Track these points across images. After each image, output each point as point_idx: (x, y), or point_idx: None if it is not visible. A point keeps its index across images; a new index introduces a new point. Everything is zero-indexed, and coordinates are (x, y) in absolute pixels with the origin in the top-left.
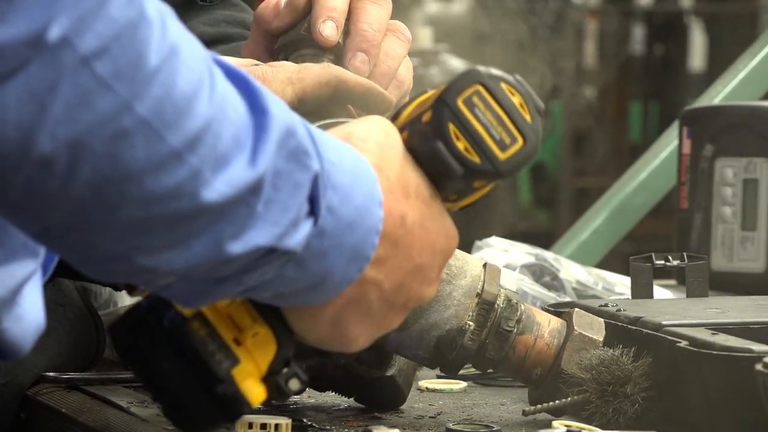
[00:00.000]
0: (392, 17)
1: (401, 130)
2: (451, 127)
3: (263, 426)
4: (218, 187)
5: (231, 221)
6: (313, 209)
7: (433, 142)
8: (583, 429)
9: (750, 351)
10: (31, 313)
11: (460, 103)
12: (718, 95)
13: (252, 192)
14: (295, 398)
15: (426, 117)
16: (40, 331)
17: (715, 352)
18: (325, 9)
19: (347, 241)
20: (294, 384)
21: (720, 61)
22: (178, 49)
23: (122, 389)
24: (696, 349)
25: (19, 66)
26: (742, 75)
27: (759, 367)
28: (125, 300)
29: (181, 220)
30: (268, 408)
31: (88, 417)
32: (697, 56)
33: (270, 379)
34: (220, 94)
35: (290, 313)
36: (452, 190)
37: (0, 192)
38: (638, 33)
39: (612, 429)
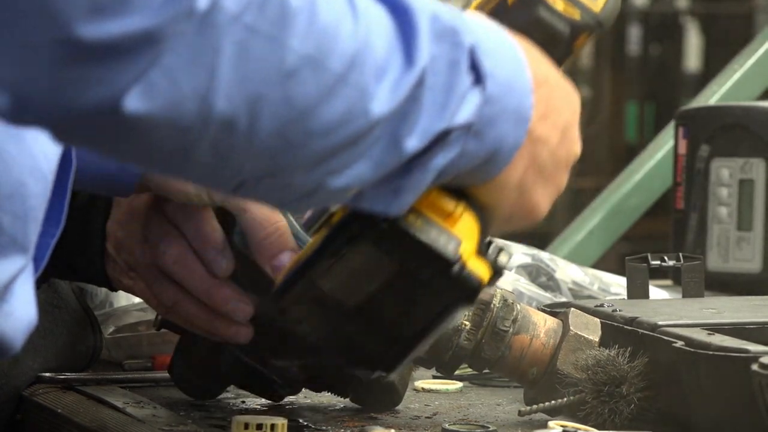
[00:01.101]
0: None
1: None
2: None
3: (259, 426)
4: (386, 96)
5: (404, 120)
6: (478, 77)
7: (533, 10)
8: (579, 429)
9: (746, 351)
10: (21, 309)
11: None
12: (713, 95)
13: (417, 87)
14: (291, 398)
15: None
16: (32, 327)
17: (711, 353)
18: None
19: (510, 104)
20: (503, 258)
21: (716, 62)
22: None
23: (118, 389)
24: (692, 350)
25: (177, 40)
26: (737, 75)
27: (755, 367)
28: (121, 300)
29: (360, 136)
30: (264, 408)
31: (84, 417)
32: (692, 57)
33: (484, 258)
34: (362, 8)
35: (480, 191)
36: (555, 56)
37: (191, 160)
38: (634, 33)
39: (608, 429)
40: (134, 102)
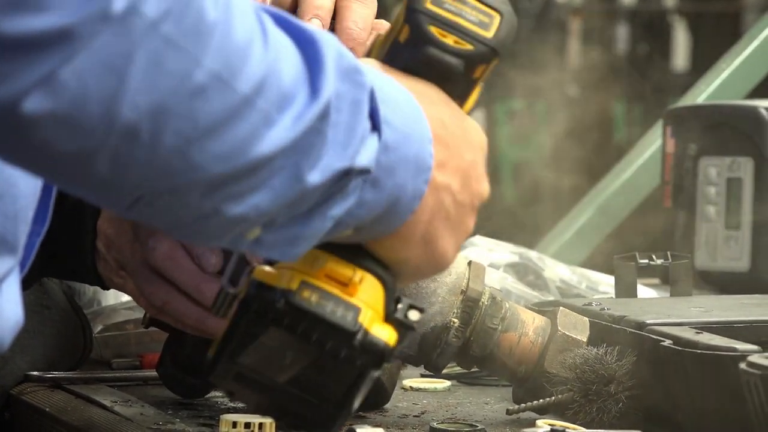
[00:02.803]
0: (377, 17)
1: (383, 63)
2: (433, 29)
3: (247, 425)
4: (289, 125)
5: (306, 152)
6: (375, 124)
7: (423, 50)
8: (567, 428)
9: (734, 350)
10: (9, 309)
11: (428, 5)
12: (701, 94)
13: (321, 119)
14: None
15: (404, 35)
16: (19, 327)
17: (699, 351)
18: (311, 7)
19: (409, 153)
20: (414, 315)
21: (703, 61)
22: (230, 1)
23: (106, 388)
24: (680, 348)
25: (92, 41)
26: (725, 74)
27: (743, 365)
28: (109, 299)
29: (261, 164)
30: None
31: (72, 416)
32: (680, 55)
33: (391, 319)
34: (273, 35)
35: (383, 247)
36: (455, 93)
37: (88, 172)
38: (622, 32)
39: (596, 428)
40: (36, 101)
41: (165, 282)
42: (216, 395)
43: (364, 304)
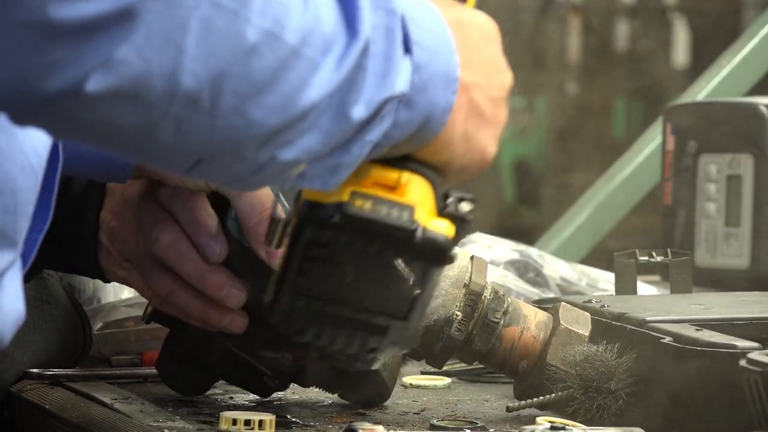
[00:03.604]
0: None
1: None
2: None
3: (247, 422)
4: (332, 68)
5: (350, 89)
6: (407, 47)
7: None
8: (567, 425)
9: (734, 347)
10: (10, 304)
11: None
12: (701, 91)
13: (362, 56)
14: (279, 394)
15: None
16: (20, 322)
17: (699, 348)
18: None
19: (438, 68)
20: (465, 206)
21: (704, 58)
22: None
23: (106, 385)
24: (680, 345)
25: (147, 17)
26: (725, 71)
27: (743, 363)
28: (109, 296)
29: (311, 109)
30: (252, 404)
31: (72, 413)
32: (680, 52)
33: (444, 214)
34: None
35: (425, 153)
36: None
37: (152, 141)
38: (622, 29)
39: (596, 425)
40: (99, 81)
41: (169, 272)
42: (216, 392)
43: (416, 203)
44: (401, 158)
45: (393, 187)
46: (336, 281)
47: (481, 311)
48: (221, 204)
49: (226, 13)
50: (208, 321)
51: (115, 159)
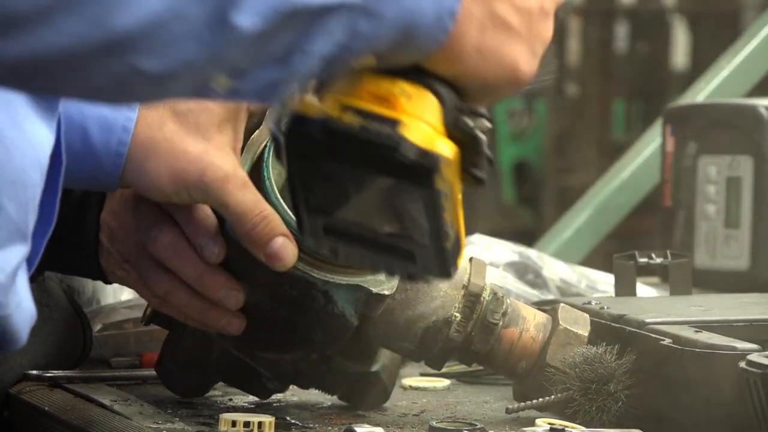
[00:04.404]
0: None
1: None
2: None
3: (246, 424)
4: None
5: None
6: None
7: None
8: (567, 427)
9: (733, 349)
10: (26, 301)
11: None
12: (701, 93)
13: None
14: (279, 396)
15: None
16: (34, 321)
17: (698, 350)
18: None
19: None
20: (477, 121)
21: (703, 59)
22: None
23: (105, 387)
24: (679, 347)
25: None
26: (725, 73)
27: (742, 364)
28: (108, 298)
29: (152, 17)
30: (252, 406)
31: (72, 415)
32: (680, 54)
33: (455, 131)
34: None
35: (435, 64)
36: None
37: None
38: (621, 31)
39: (595, 427)
40: None
41: (167, 272)
42: (215, 394)
43: (413, 117)
44: (411, 69)
45: (386, 99)
46: (342, 199)
47: (480, 312)
48: None
49: None
50: (206, 322)
51: (96, 175)
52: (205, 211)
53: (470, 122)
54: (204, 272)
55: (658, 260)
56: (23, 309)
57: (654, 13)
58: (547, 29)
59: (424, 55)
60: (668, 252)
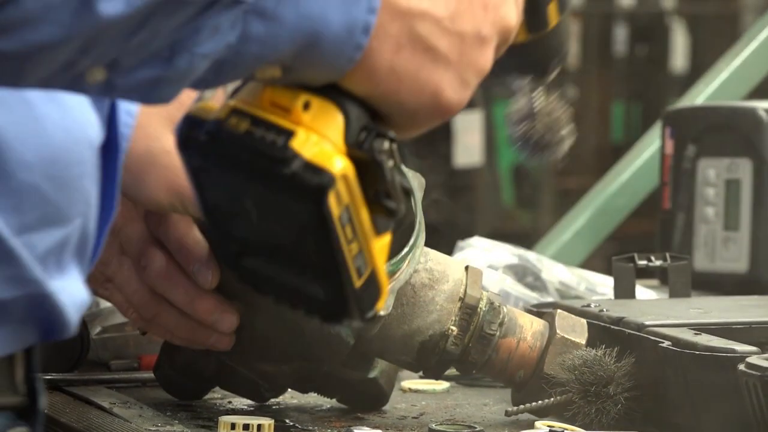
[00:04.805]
0: None
1: None
2: None
3: (246, 426)
4: None
5: None
6: None
7: None
8: (566, 429)
9: (733, 351)
10: (75, 286)
11: None
12: (700, 95)
13: None
14: (278, 399)
15: None
16: (85, 307)
17: (698, 353)
18: None
19: None
20: (380, 143)
21: (702, 62)
22: None
23: (104, 390)
24: (679, 350)
25: None
26: (724, 75)
27: (742, 367)
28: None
29: None
30: (251, 408)
31: (71, 417)
32: (679, 57)
33: (359, 153)
34: None
35: (346, 82)
36: None
37: None
38: (620, 33)
39: (595, 429)
40: None
41: (156, 295)
42: (214, 396)
43: (310, 130)
44: (323, 87)
45: (285, 109)
46: (242, 217)
47: (477, 324)
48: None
49: None
50: (195, 340)
51: None
52: (195, 237)
53: (377, 145)
54: (195, 298)
55: (658, 263)
56: (71, 294)
57: (653, 16)
58: (484, 57)
59: (338, 74)
60: (667, 254)
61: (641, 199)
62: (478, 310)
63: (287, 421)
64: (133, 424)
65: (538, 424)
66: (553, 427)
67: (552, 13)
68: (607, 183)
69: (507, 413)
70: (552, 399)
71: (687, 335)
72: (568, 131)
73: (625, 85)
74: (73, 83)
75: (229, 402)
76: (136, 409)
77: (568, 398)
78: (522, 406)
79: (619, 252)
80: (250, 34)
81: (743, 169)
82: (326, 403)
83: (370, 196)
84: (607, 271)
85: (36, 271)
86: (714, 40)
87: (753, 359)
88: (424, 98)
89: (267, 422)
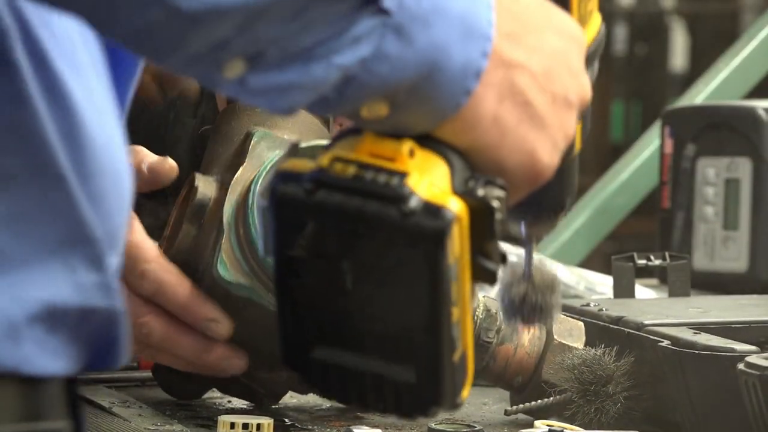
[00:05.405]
0: None
1: None
2: None
3: (245, 426)
4: None
5: None
6: None
7: None
8: (565, 428)
9: (732, 350)
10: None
11: None
12: (699, 95)
13: None
14: None
15: None
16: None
17: (697, 352)
18: None
19: (452, 6)
20: (491, 189)
21: (701, 61)
22: None
23: (104, 389)
24: (678, 349)
25: None
26: (723, 75)
27: (741, 366)
28: None
29: None
30: (250, 408)
31: None
32: (678, 56)
33: (464, 197)
34: None
35: (446, 133)
36: None
37: None
38: (620, 33)
39: (594, 428)
40: None
41: (162, 350)
42: (214, 396)
43: (419, 170)
44: (420, 137)
45: (389, 157)
46: (331, 290)
47: (474, 332)
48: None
49: None
50: (201, 371)
51: None
52: (198, 296)
53: (489, 191)
54: (204, 351)
55: (657, 262)
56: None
57: (653, 15)
58: (570, 122)
59: (440, 120)
60: (667, 254)
61: (641, 198)
62: (475, 318)
63: (286, 420)
64: (133, 423)
65: (537, 423)
66: (553, 426)
67: (578, 135)
68: (606, 182)
69: (506, 412)
70: (551, 398)
71: (686, 334)
72: (557, 297)
73: (624, 84)
74: (210, 71)
75: (229, 401)
76: (136, 409)
77: (567, 397)
78: (521, 406)
79: (618, 251)
80: (384, 50)
81: (743, 169)
82: (326, 402)
83: (473, 253)
84: (607, 270)
85: (115, 284)
86: (714, 39)
87: (752, 358)
88: (523, 157)
89: (266, 421)
